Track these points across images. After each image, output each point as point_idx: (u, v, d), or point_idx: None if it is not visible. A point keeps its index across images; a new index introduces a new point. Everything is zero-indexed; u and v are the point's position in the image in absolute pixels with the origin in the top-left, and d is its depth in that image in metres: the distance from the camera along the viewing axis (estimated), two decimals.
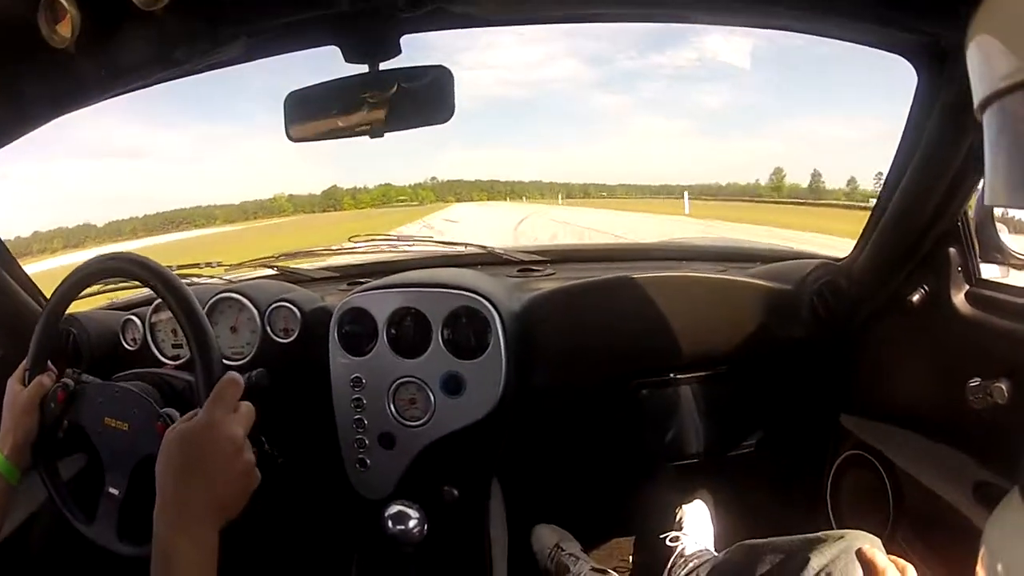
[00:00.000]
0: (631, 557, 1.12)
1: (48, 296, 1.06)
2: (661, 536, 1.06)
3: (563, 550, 1.03)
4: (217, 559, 0.50)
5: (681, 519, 1.08)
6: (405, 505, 0.85)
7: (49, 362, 0.76)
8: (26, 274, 1.06)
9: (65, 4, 0.63)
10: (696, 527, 1.08)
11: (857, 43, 0.71)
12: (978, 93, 0.32)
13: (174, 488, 0.51)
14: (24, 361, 0.76)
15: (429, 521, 0.86)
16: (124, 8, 0.61)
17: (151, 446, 0.65)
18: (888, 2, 0.59)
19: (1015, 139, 0.30)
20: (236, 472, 0.52)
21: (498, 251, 1.12)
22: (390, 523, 0.84)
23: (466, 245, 1.15)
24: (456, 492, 0.89)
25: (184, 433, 0.53)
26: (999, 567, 0.45)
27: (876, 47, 0.70)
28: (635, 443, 1.06)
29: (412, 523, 0.84)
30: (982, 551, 0.45)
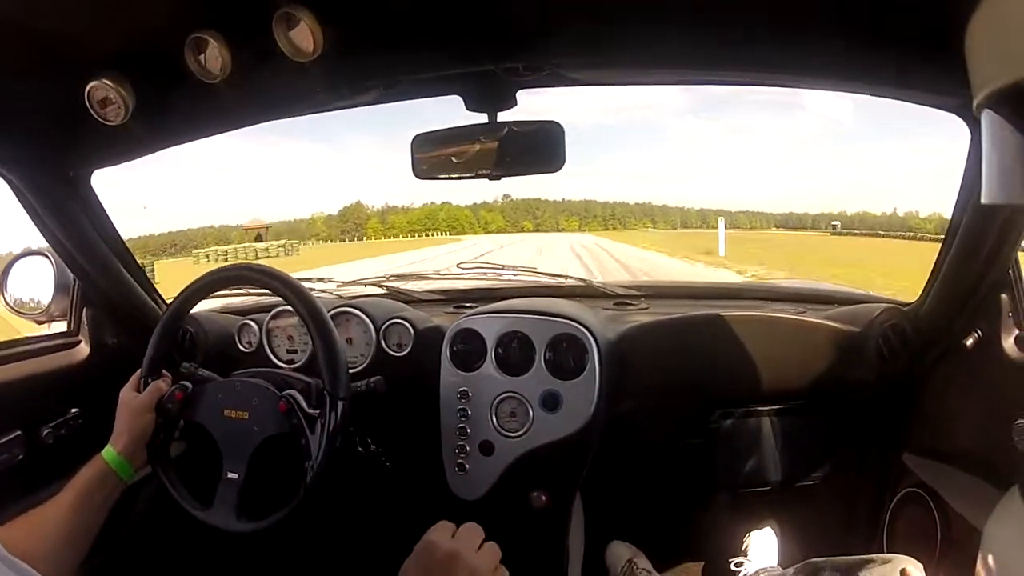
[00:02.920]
0: None
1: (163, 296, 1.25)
2: (728, 560, 1.19)
3: (636, 566, 1.17)
4: None
5: (747, 546, 1.22)
6: None
7: (164, 371, 0.92)
8: (145, 274, 1.25)
9: (215, 45, 0.79)
10: (761, 554, 1.21)
11: (908, 102, 0.83)
12: (977, 92, 0.35)
13: None
14: (139, 371, 0.91)
15: (515, 523, 1.00)
16: (275, 56, 0.76)
17: (271, 429, 0.84)
18: (933, 69, 0.70)
19: (1011, 136, 0.32)
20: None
21: (596, 284, 1.32)
22: None
23: (566, 277, 1.35)
24: (544, 497, 1.06)
25: (430, 554, 0.58)
26: (998, 563, 0.53)
27: (927, 105, 0.82)
28: (711, 469, 1.21)
29: None
30: (982, 548, 0.53)
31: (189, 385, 0.89)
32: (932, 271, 1.00)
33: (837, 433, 1.20)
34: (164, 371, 0.92)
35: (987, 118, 0.35)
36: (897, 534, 1.09)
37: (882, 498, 1.13)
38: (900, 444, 1.10)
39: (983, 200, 0.37)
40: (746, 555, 1.22)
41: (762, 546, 1.23)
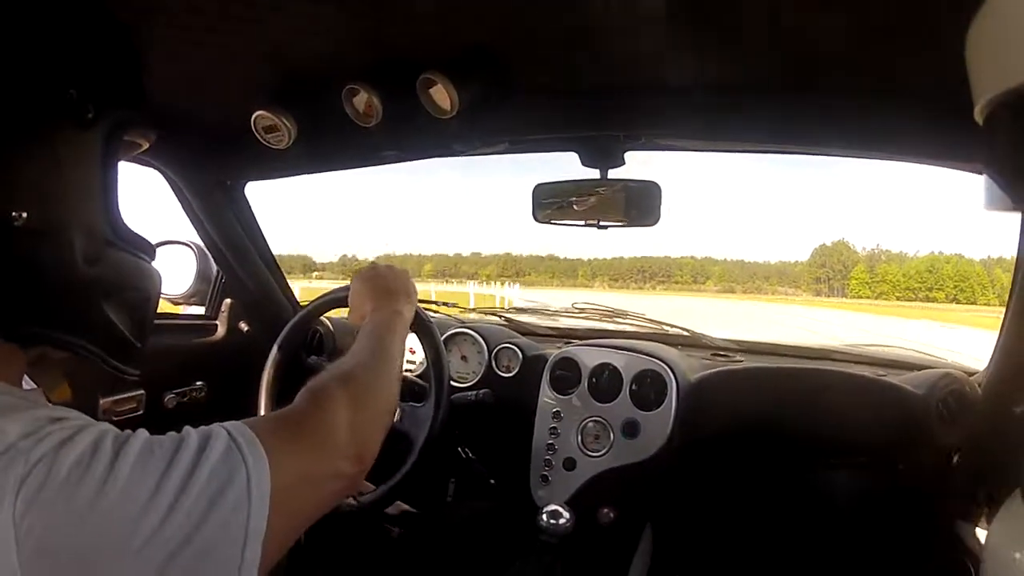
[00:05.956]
0: None
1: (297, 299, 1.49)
2: None
3: None
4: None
5: None
6: (560, 506, 1.19)
7: None
8: (283, 276, 1.50)
9: (368, 96, 1.01)
10: None
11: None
12: (977, 101, 0.35)
13: (370, 297, 0.84)
14: None
15: (582, 531, 1.20)
16: (418, 110, 0.98)
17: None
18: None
19: (1010, 142, 0.33)
20: (398, 274, 0.90)
21: (698, 334, 1.53)
22: (544, 517, 1.17)
23: (671, 326, 1.57)
24: (612, 515, 1.28)
25: (356, 276, 0.91)
26: (1001, 566, 0.59)
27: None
28: (775, 516, 1.36)
29: (562, 520, 1.17)
30: (984, 550, 0.60)
31: None
32: (997, 338, 1.07)
33: (898, 495, 1.30)
34: None
35: (987, 126, 0.37)
36: None
37: (936, 563, 1.21)
38: (956, 512, 1.16)
39: (984, 208, 0.39)
40: None
41: None
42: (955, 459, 1.18)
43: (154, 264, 0.59)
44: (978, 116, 0.37)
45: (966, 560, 1.09)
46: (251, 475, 0.44)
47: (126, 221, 0.54)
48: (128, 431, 0.44)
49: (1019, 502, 0.59)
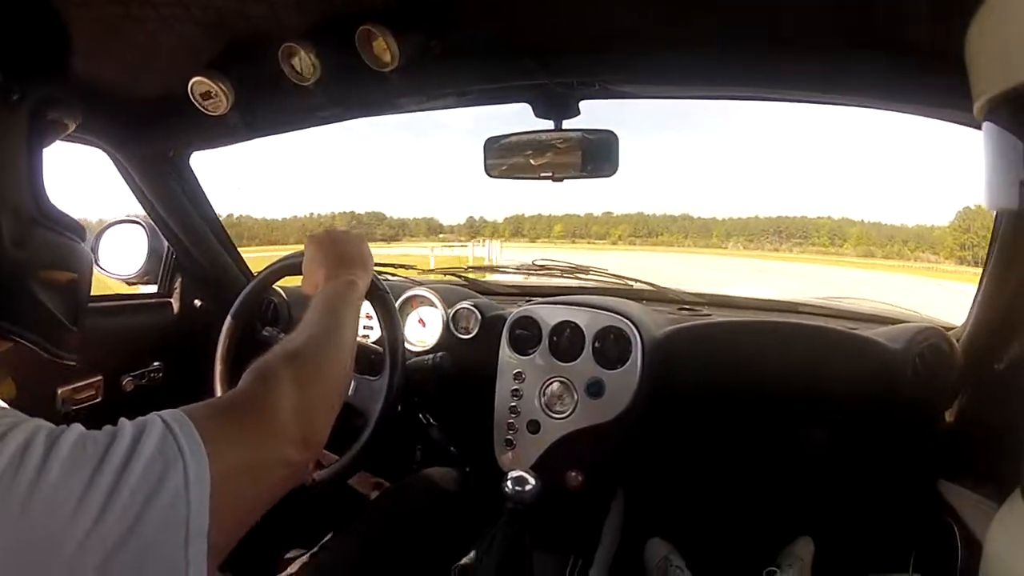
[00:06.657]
0: None
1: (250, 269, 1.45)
2: (764, 571, 1.32)
3: (671, 562, 1.36)
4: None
5: (782, 557, 1.35)
6: (526, 471, 1.12)
7: None
8: (235, 248, 1.45)
9: (305, 53, 0.97)
10: (794, 566, 1.33)
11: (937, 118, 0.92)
12: (977, 99, 0.37)
13: (323, 264, 0.81)
14: None
15: (549, 497, 1.14)
16: (359, 65, 0.94)
17: None
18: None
19: (1010, 141, 0.34)
20: (353, 240, 0.86)
21: (664, 288, 1.48)
22: (509, 484, 1.10)
23: (636, 280, 1.51)
24: (580, 478, 1.24)
25: (309, 241, 0.87)
26: (1002, 567, 0.57)
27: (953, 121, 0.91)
28: (751, 476, 1.34)
29: (528, 486, 1.09)
30: (984, 549, 0.59)
31: None
32: (976, 291, 1.07)
33: (875, 452, 1.29)
34: None
35: (987, 124, 0.38)
36: (924, 559, 1.15)
37: (914, 521, 1.20)
38: (935, 469, 1.17)
39: (986, 207, 0.40)
40: (779, 566, 1.33)
41: (796, 558, 1.34)
42: (939, 416, 1.16)
43: (83, 245, 0.57)
44: (978, 114, 0.38)
45: (947, 518, 1.08)
46: (188, 466, 0.42)
47: (53, 201, 0.53)
48: (63, 426, 0.42)
49: (1019, 502, 0.57)
